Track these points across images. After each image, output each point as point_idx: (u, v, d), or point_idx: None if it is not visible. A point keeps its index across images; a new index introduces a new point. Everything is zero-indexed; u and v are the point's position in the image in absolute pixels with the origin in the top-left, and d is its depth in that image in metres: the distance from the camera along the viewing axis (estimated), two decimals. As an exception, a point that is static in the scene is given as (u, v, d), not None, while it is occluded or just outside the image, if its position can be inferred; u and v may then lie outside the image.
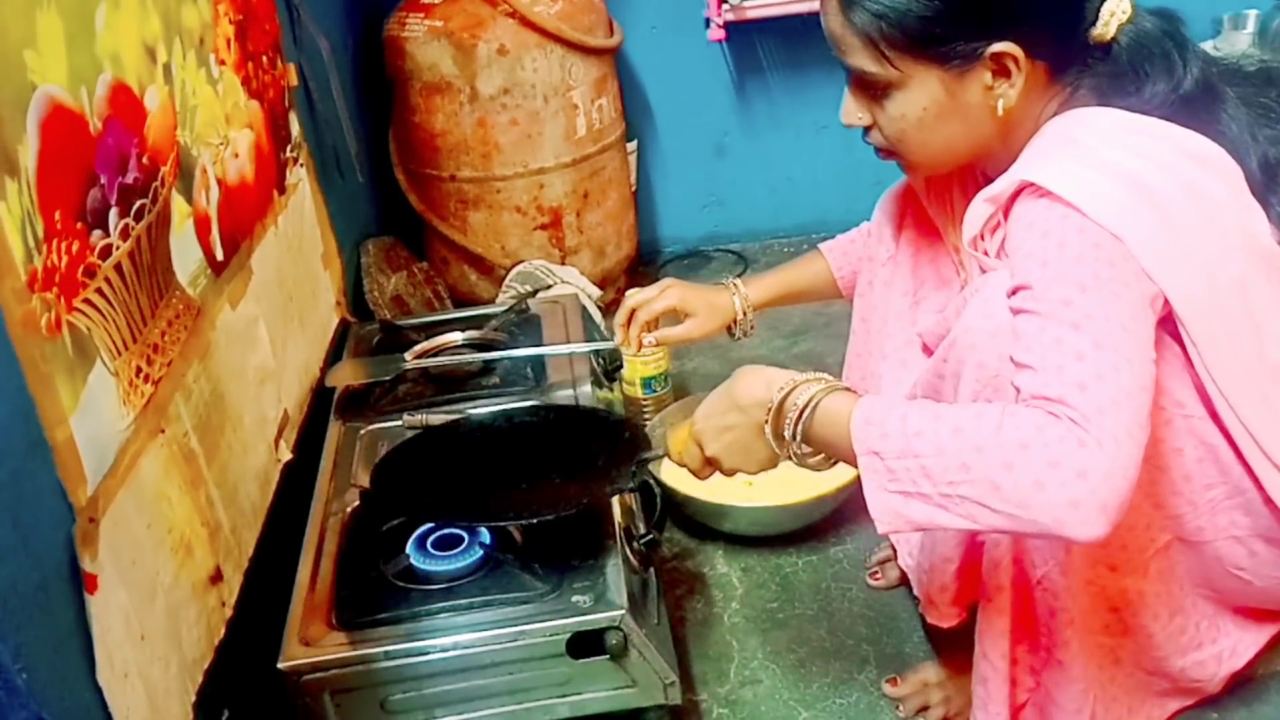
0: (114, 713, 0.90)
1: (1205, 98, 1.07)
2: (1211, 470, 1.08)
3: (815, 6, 2.22)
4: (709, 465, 1.14)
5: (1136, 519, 1.08)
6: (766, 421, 1.04)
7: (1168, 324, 1.02)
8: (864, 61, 1.08)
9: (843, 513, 1.61)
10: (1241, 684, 1.29)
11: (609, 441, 1.29)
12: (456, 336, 1.67)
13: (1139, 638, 1.17)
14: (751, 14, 2.27)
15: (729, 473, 1.13)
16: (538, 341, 1.66)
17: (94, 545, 0.89)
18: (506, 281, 2.15)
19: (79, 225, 0.94)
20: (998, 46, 1.03)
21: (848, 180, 2.56)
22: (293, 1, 1.75)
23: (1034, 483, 0.87)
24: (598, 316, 2.01)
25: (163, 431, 1.06)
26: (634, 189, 2.47)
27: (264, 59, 1.56)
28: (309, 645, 1.12)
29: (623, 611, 1.12)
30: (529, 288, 2.05)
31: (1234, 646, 1.21)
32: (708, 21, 2.32)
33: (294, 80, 1.70)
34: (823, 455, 1.04)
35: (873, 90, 1.11)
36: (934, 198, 1.31)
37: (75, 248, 0.93)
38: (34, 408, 0.85)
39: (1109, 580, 1.11)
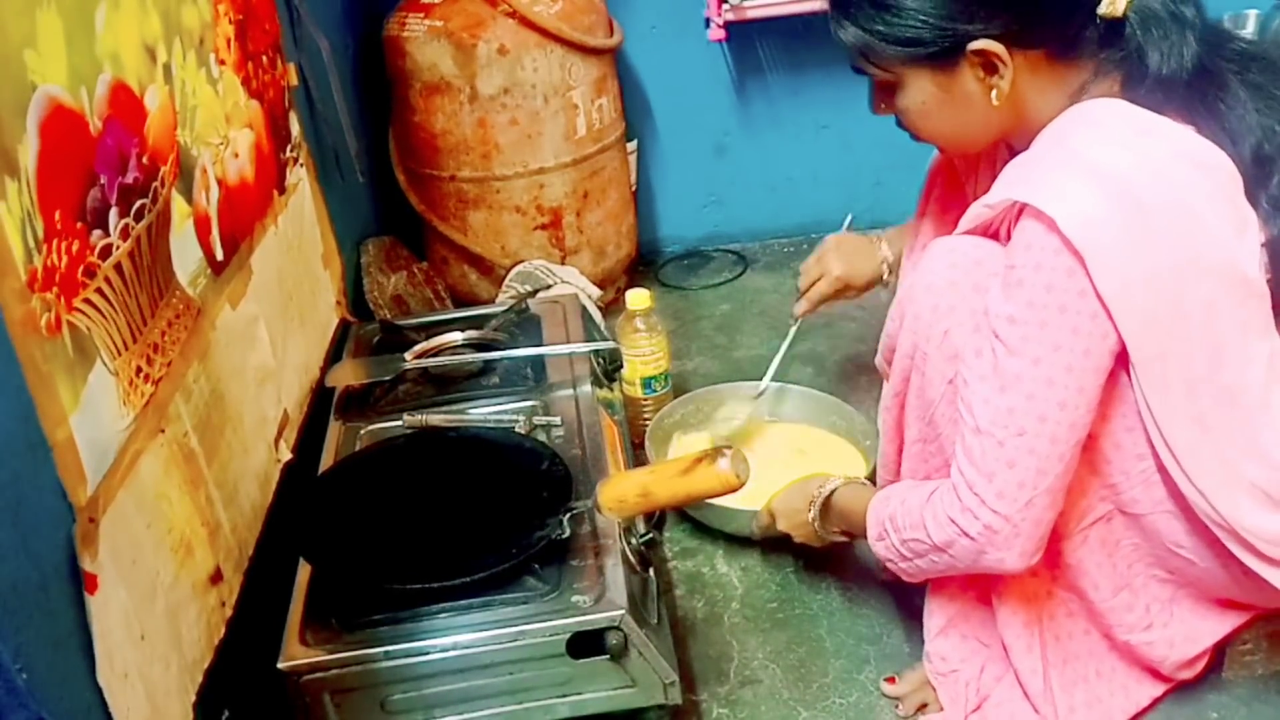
0: (114, 713, 0.90)
1: (1208, 80, 1.07)
2: (1141, 440, 1.10)
3: (815, 7, 2.23)
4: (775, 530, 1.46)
5: (1074, 484, 1.11)
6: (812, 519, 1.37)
7: None
8: (862, 65, 1.16)
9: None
10: (1241, 683, 1.29)
11: (536, 478, 1.28)
12: (456, 336, 1.66)
13: (1082, 600, 1.21)
14: (751, 14, 2.26)
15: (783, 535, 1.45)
16: (538, 341, 1.66)
17: (94, 545, 0.89)
18: (506, 281, 2.15)
19: (79, 225, 0.94)
20: (975, 45, 1.07)
21: (847, 180, 2.56)
22: (293, 1, 1.75)
23: (969, 565, 1.13)
24: (598, 316, 2.01)
25: (163, 431, 1.06)
26: (634, 189, 2.46)
27: (264, 59, 1.56)
28: (309, 645, 1.12)
29: (623, 611, 1.12)
30: (529, 288, 2.05)
31: (1187, 634, 1.22)
32: (708, 21, 2.32)
33: (294, 80, 1.70)
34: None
35: (882, 87, 1.18)
36: (961, 160, 1.39)
37: (75, 248, 0.93)
38: (34, 408, 0.85)
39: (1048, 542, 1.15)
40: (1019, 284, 1.03)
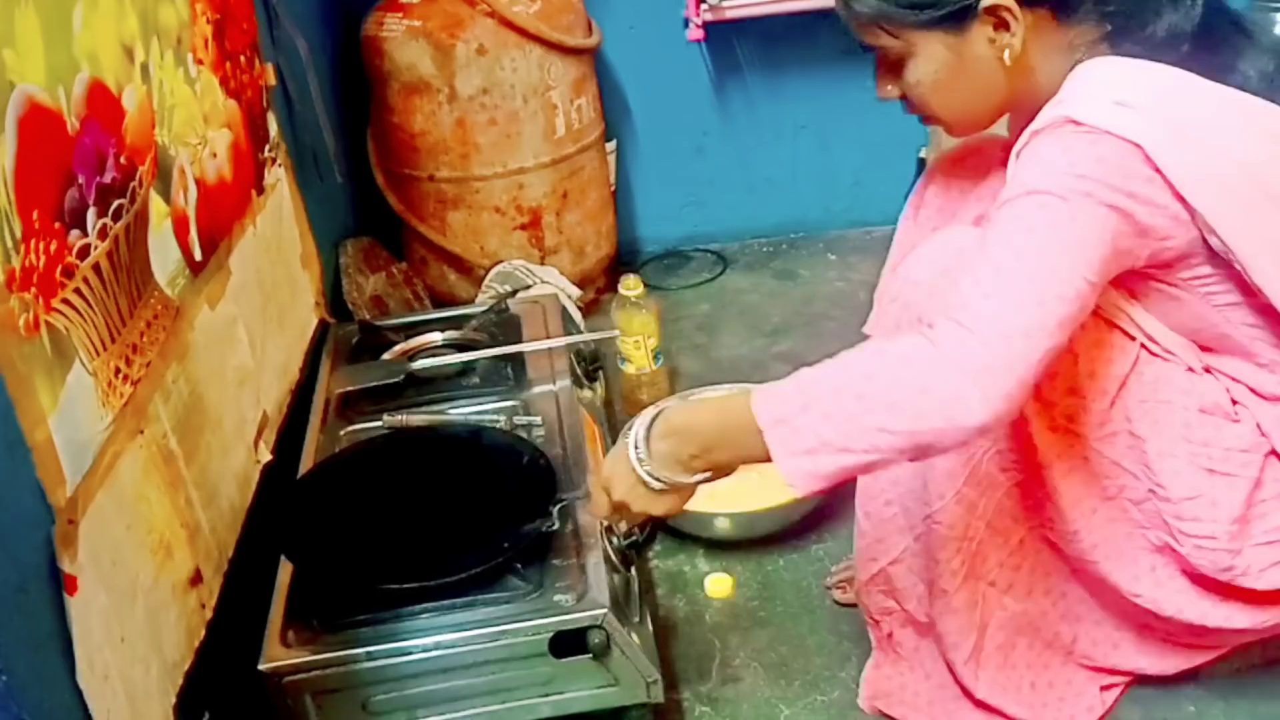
0: (94, 715, 0.89)
1: (1219, 43, 1.07)
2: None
3: (794, 7, 2.22)
4: (617, 510, 1.10)
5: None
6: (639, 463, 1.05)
7: (1190, 258, 1.05)
8: (872, 38, 1.15)
9: (822, 512, 1.62)
10: (1218, 678, 1.30)
11: (519, 473, 1.28)
12: (436, 337, 1.66)
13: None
14: (730, 14, 2.27)
15: (637, 516, 1.11)
16: (517, 341, 1.66)
17: (73, 546, 0.89)
18: (486, 282, 2.15)
19: (57, 225, 0.94)
20: (988, 0, 1.07)
21: (826, 180, 2.57)
22: (270, 1, 1.74)
23: (920, 388, 0.94)
24: (577, 316, 2.01)
25: (142, 432, 1.05)
26: (613, 189, 2.47)
27: (242, 59, 1.56)
28: (290, 646, 1.12)
29: (605, 610, 1.12)
30: (508, 288, 2.05)
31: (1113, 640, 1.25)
32: (686, 21, 2.32)
33: (272, 80, 1.69)
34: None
35: (890, 63, 1.17)
36: (972, 159, 1.37)
37: (53, 248, 0.92)
38: (12, 408, 0.85)
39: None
40: (1043, 166, 1.00)
